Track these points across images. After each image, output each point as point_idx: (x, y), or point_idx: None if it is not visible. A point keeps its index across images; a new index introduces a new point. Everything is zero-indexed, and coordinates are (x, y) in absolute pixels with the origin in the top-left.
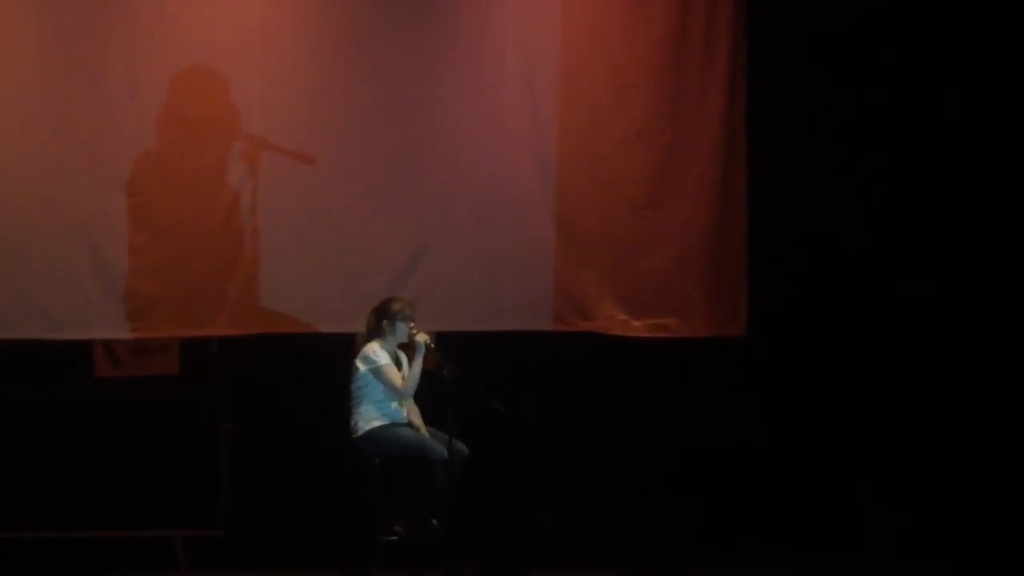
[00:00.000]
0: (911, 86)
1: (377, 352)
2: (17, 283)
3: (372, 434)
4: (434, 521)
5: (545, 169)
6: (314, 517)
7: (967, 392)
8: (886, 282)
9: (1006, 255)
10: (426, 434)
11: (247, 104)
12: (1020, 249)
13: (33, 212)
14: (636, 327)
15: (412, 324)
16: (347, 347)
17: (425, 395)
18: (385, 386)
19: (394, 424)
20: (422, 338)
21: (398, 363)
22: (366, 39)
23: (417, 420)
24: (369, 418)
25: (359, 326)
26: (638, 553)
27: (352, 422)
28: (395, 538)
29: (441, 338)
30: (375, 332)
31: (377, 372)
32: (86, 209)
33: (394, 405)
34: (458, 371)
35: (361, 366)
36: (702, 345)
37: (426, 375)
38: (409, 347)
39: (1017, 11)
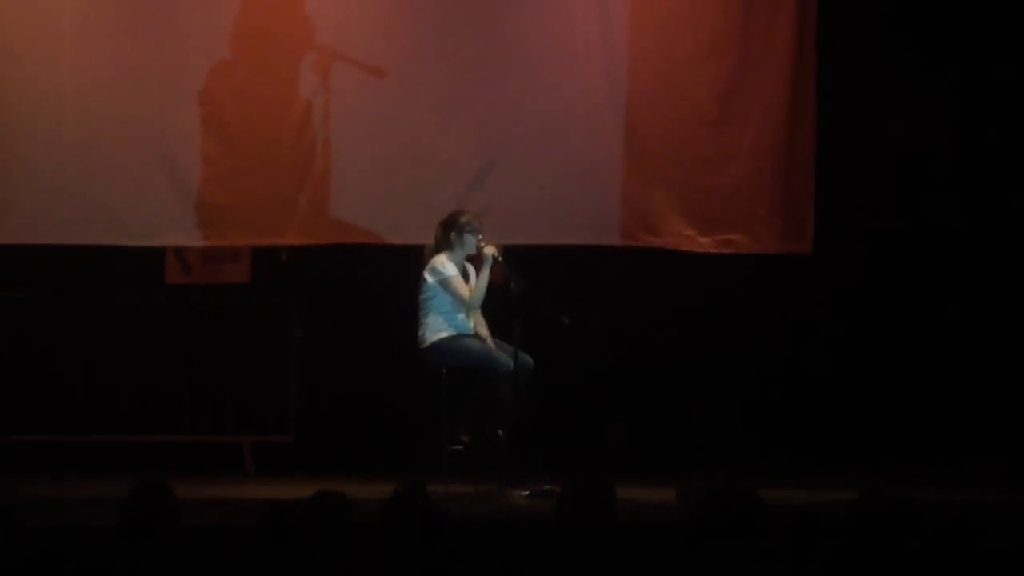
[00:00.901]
0: None
1: (445, 264)
2: (91, 189)
3: (439, 345)
4: (500, 431)
5: (615, 84)
6: (381, 425)
7: None
8: (961, 201)
9: None
10: (492, 346)
11: (320, 16)
12: None
13: (108, 122)
14: (703, 243)
15: (480, 237)
16: (416, 259)
17: (492, 308)
18: (452, 298)
19: (461, 335)
20: (490, 251)
21: (466, 275)
22: None
23: (484, 332)
24: (436, 329)
25: (428, 238)
26: (700, 467)
27: (419, 333)
28: (460, 448)
29: (509, 251)
30: (443, 244)
31: (444, 283)
32: (160, 119)
33: (461, 317)
34: (525, 284)
35: (429, 278)
36: (768, 262)
37: (493, 288)
38: (477, 260)
39: None
